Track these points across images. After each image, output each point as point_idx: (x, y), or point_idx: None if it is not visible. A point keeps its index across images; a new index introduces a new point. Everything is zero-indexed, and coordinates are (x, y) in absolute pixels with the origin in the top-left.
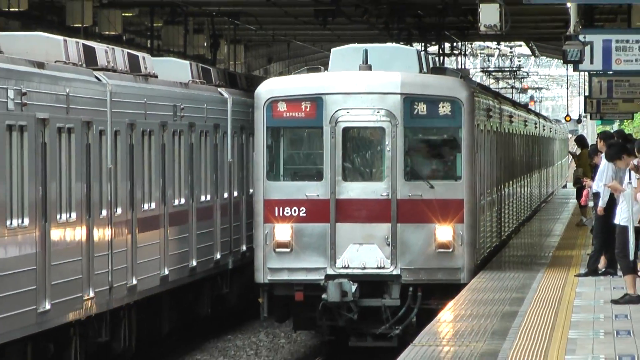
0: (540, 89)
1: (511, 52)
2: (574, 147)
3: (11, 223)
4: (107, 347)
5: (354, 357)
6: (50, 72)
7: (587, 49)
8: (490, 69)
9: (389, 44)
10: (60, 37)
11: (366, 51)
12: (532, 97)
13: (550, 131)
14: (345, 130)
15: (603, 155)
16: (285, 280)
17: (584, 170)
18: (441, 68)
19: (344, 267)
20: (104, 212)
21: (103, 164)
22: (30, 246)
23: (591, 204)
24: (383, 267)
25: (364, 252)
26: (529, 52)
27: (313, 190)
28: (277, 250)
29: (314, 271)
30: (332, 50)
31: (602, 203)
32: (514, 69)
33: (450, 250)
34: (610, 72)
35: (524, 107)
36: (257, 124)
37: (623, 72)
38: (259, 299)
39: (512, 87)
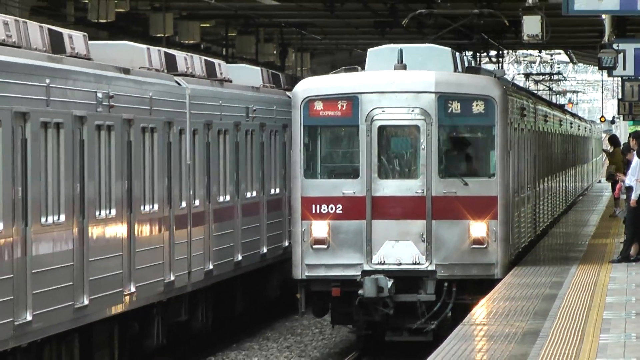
0: (577, 92)
1: (551, 59)
2: (607, 146)
3: (100, 214)
4: (186, 325)
5: (390, 352)
6: (134, 77)
7: (620, 56)
8: (532, 73)
9: (424, 44)
10: (144, 46)
11: (401, 51)
12: (570, 100)
13: (586, 130)
14: (381, 129)
15: (635, 152)
16: (322, 277)
17: (617, 167)
18: (475, 68)
19: (380, 263)
20: (184, 204)
21: (182, 161)
22: (120, 234)
23: (623, 196)
24: (418, 263)
25: (399, 249)
26: (567, 60)
27: (349, 187)
28: (315, 246)
29: (351, 267)
30: (369, 50)
31: (634, 196)
32: (552, 73)
33: (484, 246)
34: None
35: (560, 107)
36: (295, 122)
37: None
38: (297, 294)
39: (550, 89)
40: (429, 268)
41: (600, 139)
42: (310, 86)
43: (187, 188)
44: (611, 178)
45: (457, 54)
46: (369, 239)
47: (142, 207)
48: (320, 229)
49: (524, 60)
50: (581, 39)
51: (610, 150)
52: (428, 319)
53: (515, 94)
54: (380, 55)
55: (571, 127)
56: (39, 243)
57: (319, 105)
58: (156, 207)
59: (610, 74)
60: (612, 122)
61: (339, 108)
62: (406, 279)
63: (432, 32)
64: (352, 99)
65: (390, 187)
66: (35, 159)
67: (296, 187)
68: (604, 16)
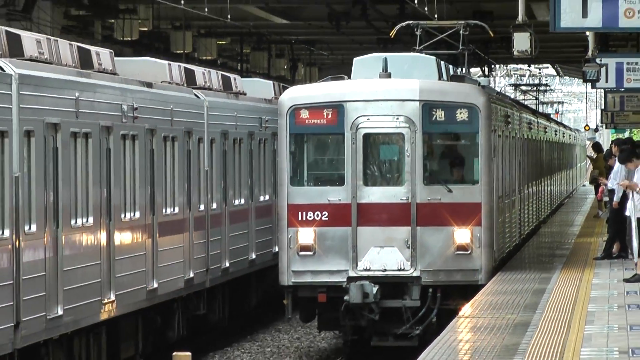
0: (563, 103)
1: (539, 73)
2: (591, 152)
3: (125, 217)
4: (204, 318)
5: (376, 356)
6: (157, 91)
7: (603, 70)
8: (520, 84)
9: (409, 53)
10: (165, 62)
11: (386, 59)
12: (556, 110)
13: (570, 138)
14: (366, 136)
15: (616, 158)
16: (308, 283)
17: (600, 171)
18: (460, 76)
19: (366, 270)
20: (202, 207)
21: (201, 167)
22: (144, 234)
23: (606, 199)
24: (403, 269)
25: (384, 255)
26: (554, 73)
27: (335, 194)
28: (301, 253)
29: (337, 273)
30: (355, 59)
31: (616, 198)
32: (539, 84)
33: (469, 252)
34: (622, 89)
35: (546, 116)
36: (281, 130)
37: (633, 89)
38: (284, 300)
39: (536, 99)
40: (414, 274)
41: (584, 145)
42: (296, 95)
43: (205, 192)
44: (595, 182)
45: (442, 62)
46: (354, 245)
47: (164, 210)
48: (306, 235)
49: (514, 74)
50: (567, 53)
51: (594, 156)
52: (413, 324)
53: (499, 102)
54: (366, 64)
55: (556, 134)
56: (69, 244)
57: (304, 114)
58: (177, 209)
59: (593, 86)
60: (596, 130)
61: (325, 116)
62: (391, 285)
63: (429, 46)
64: (338, 107)
65: (376, 194)
66: (65, 167)
67: (282, 195)
68: (587, 33)
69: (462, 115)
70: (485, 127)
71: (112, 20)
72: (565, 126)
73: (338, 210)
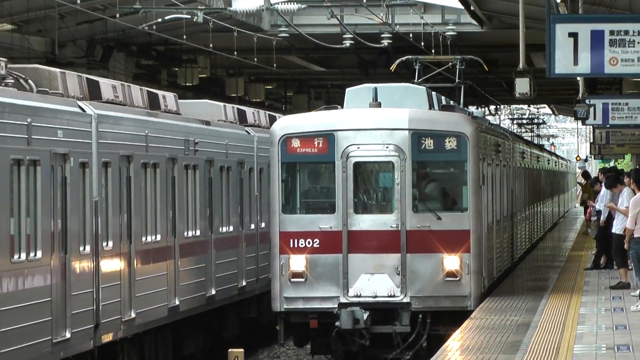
0: (556, 137)
1: (537, 112)
2: (581, 179)
3: (188, 234)
4: (255, 320)
5: None
6: (214, 128)
7: (592, 109)
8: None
9: (400, 84)
10: (221, 103)
11: (375, 89)
12: (552, 143)
13: (563, 167)
14: (356, 165)
15: (603, 184)
16: (300, 309)
17: (589, 195)
18: (450, 106)
19: (356, 296)
20: (252, 226)
21: (251, 192)
22: (204, 249)
23: (594, 218)
24: (393, 296)
25: (375, 281)
26: (550, 112)
27: (326, 222)
28: (293, 280)
29: (328, 300)
30: (347, 89)
31: (603, 218)
32: (534, 118)
33: (458, 278)
34: (608, 126)
35: (539, 147)
36: (272, 159)
37: (617, 125)
38: (277, 326)
39: (531, 131)
40: (404, 300)
41: (575, 173)
42: (288, 124)
43: (255, 213)
44: (584, 204)
45: (434, 93)
46: (345, 272)
47: (220, 229)
48: (298, 262)
49: (516, 112)
50: (561, 95)
51: (584, 183)
52: (403, 350)
53: (489, 132)
54: (358, 94)
55: (549, 163)
56: (140, 258)
57: (296, 143)
58: (231, 228)
59: (584, 123)
60: (586, 160)
61: (316, 145)
62: (382, 311)
63: (427, 80)
64: (328, 136)
65: (366, 222)
66: (137, 192)
67: (274, 222)
68: (578, 78)
69: (450, 143)
70: (474, 155)
71: (176, 69)
72: (558, 156)
73: (329, 237)
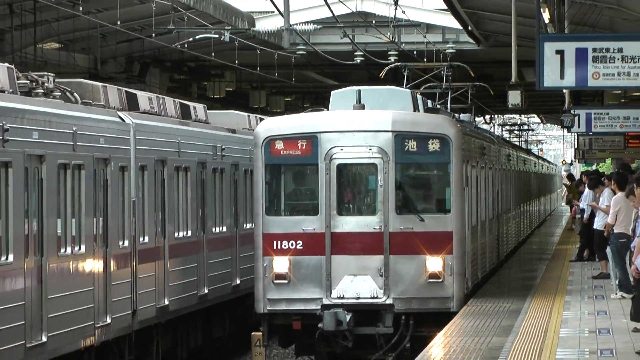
0: (544, 142)
1: (528, 121)
2: (566, 181)
3: (215, 230)
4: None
5: None
6: (239, 135)
7: (576, 118)
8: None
9: (385, 86)
10: (246, 114)
11: (359, 91)
12: (540, 149)
13: (550, 170)
14: (340, 167)
15: (586, 185)
16: (283, 311)
17: (573, 195)
18: (435, 109)
19: (339, 298)
20: None
21: None
22: (230, 244)
23: (578, 216)
24: (376, 297)
25: (358, 283)
26: (539, 121)
27: (309, 224)
28: (276, 281)
29: (311, 301)
30: (332, 92)
31: (586, 215)
32: (521, 124)
33: (440, 280)
34: (591, 133)
35: (527, 151)
36: (256, 161)
37: (599, 133)
38: (260, 327)
39: (519, 137)
40: (387, 302)
41: (561, 176)
42: (272, 126)
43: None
44: (569, 203)
45: (419, 96)
46: (328, 273)
47: (244, 226)
48: (281, 264)
49: (509, 121)
50: (549, 106)
51: (569, 184)
52: (387, 351)
53: (473, 134)
54: (343, 96)
55: (535, 166)
56: (173, 251)
57: (279, 145)
58: (253, 226)
59: (569, 131)
60: (570, 164)
61: (299, 147)
62: (365, 313)
63: (416, 85)
64: (312, 138)
65: (349, 224)
66: (170, 193)
67: (258, 224)
68: (564, 90)
69: (434, 145)
70: (457, 157)
71: (205, 83)
72: (545, 160)
73: (312, 239)
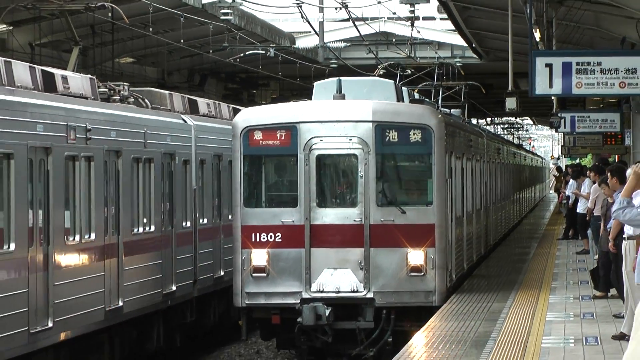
0: (535, 139)
1: (522, 122)
2: (555, 172)
3: (230, 218)
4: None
5: None
6: None
7: (562, 120)
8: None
9: (368, 77)
10: None
11: (340, 81)
12: (532, 145)
13: (540, 163)
14: (319, 158)
15: (571, 175)
16: (262, 304)
17: (560, 184)
18: (419, 100)
19: (319, 291)
20: None
21: None
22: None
23: (564, 202)
24: (357, 291)
25: (338, 276)
26: (532, 122)
27: (288, 216)
28: (254, 274)
29: (290, 295)
30: (315, 83)
31: (571, 201)
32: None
33: (422, 273)
34: (575, 133)
35: (517, 145)
36: (235, 152)
37: (581, 132)
38: (239, 321)
39: (511, 134)
40: (367, 296)
41: (550, 168)
42: (250, 116)
43: None
44: (557, 191)
45: (405, 88)
46: (307, 267)
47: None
48: (259, 257)
49: (507, 122)
50: (540, 110)
51: (556, 175)
52: (367, 346)
53: (458, 127)
54: (326, 87)
55: (525, 159)
56: (225, 230)
57: (258, 135)
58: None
59: (556, 131)
60: (558, 158)
61: (278, 137)
62: (345, 307)
63: (409, 83)
64: (291, 129)
65: (329, 216)
66: (224, 182)
67: (236, 216)
68: (552, 97)
69: (415, 136)
70: (439, 148)
71: (254, 91)
72: (535, 154)
73: (291, 231)
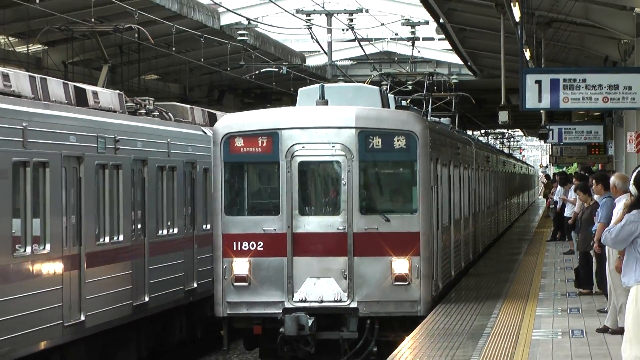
0: (525, 149)
1: (514, 133)
2: (544, 179)
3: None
4: None
5: None
6: None
7: (550, 132)
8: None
9: (353, 84)
10: None
11: (323, 86)
12: (523, 155)
13: (528, 171)
14: (301, 165)
15: (558, 182)
16: (243, 314)
17: (548, 190)
18: (405, 106)
19: (302, 301)
20: None
21: None
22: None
23: (552, 206)
24: (340, 301)
25: (321, 286)
26: (522, 134)
27: (270, 224)
28: (236, 284)
29: (272, 305)
30: (299, 89)
31: (558, 206)
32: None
33: (407, 282)
34: (562, 143)
35: (507, 154)
36: (215, 159)
37: (568, 143)
38: (221, 331)
39: (502, 144)
40: (351, 305)
41: (538, 175)
42: (231, 122)
43: None
44: (545, 196)
45: (391, 95)
46: (290, 276)
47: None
48: (241, 266)
49: (499, 134)
50: (530, 122)
51: (545, 182)
52: (351, 357)
53: (444, 134)
54: (310, 94)
55: (514, 167)
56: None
57: (239, 142)
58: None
59: (545, 141)
60: (546, 166)
61: (259, 144)
62: (328, 317)
63: (398, 93)
64: (272, 135)
65: (312, 224)
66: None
67: (217, 224)
68: (541, 110)
69: (399, 142)
70: (424, 154)
71: (268, 105)
72: (525, 163)
73: (273, 240)
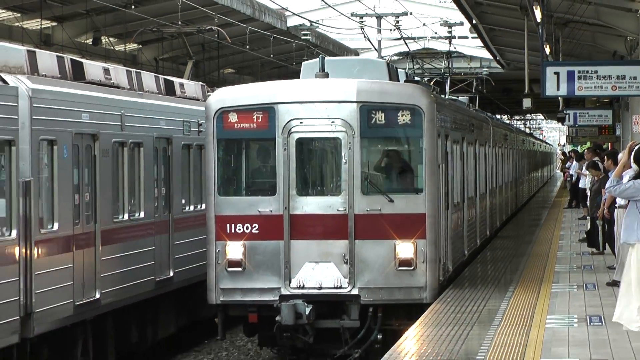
0: (545, 130)
1: (536, 116)
2: (561, 156)
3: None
4: None
5: None
6: None
7: (567, 116)
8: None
9: (358, 57)
10: None
11: (323, 58)
12: (544, 135)
13: (547, 148)
14: (299, 142)
15: (574, 158)
16: (238, 302)
17: (565, 165)
18: (414, 80)
19: (299, 287)
20: None
21: None
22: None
23: (569, 179)
24: (340, 287)
25: (320, 271)
26: (543, 117)
27: (266, 205)
28: (229, 269)
29: (268, 292)
30: (303, 63)
31: (574, 179)
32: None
33: (412, 267)
34: (577, 125)
35: (526, 133)
36: (208, 136)
37: (582, 125)
38: (215, 319)
39: (524, 125)
40: (352, 292)
41: (557, 153)
42: (225, 97)
43: None
44: (562, 170)
45: (400, 70)
46: (287, 260)
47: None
48: (235, 250)
49: (522, 118)
50: (550, 107)
51: (562, 158)
52: (353, 346)
53: (455, 108)
54: (313, 67)
55: (534, 145)
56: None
57: (233, 117)
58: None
59: (562, 123)
60: (564, 145)
61: (255, 120)
62: (328, 304)
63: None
64: (268, 110)
65: (310, 205)
66: None
67: (210, 205)
68: (559, 97)
69: (404, 117)
70: (430, 130)
71: None
72: (544, 142)
73: (269, 222)
